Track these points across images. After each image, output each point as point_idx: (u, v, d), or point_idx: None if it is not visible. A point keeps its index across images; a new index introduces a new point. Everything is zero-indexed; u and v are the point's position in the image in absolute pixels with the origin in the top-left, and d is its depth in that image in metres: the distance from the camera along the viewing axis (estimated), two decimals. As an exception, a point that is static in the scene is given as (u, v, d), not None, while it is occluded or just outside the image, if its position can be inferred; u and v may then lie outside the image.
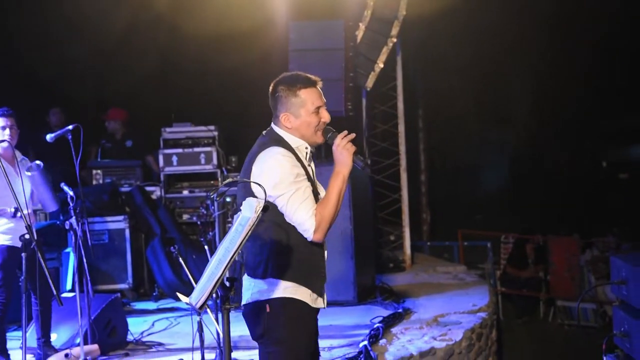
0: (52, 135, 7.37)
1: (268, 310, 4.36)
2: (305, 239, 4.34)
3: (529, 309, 14.31)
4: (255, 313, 4.40)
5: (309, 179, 4.40)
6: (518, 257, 14.65)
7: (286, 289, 4.35)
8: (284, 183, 4.25)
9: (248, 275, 4.41)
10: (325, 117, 4.43)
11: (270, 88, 4.47)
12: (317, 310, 4.53)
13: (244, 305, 4.45)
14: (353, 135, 4.40)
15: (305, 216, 4.26)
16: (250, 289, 4.40)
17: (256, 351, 4.60)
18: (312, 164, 4.54)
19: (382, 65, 10.61)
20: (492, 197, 17.81)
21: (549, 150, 17.77)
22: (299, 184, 4.28)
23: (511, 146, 18.69)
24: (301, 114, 4.38)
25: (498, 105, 18.20)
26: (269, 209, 4.16)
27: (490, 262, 14.21)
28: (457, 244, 14.71)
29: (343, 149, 4.33)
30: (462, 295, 9.96)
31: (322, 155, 8.99)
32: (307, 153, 4.44)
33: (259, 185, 4.13)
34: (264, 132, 4.51)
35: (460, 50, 15.74)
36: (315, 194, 4.42)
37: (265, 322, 4.38)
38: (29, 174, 7.06)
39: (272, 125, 4.48)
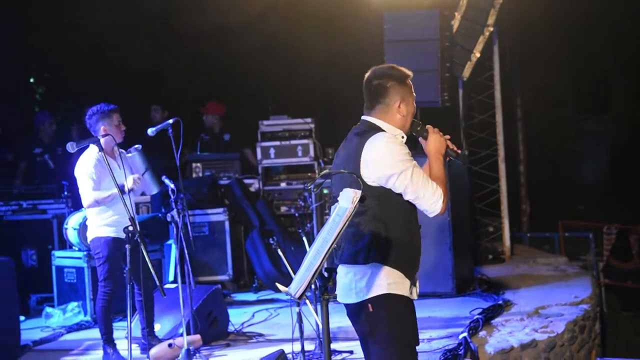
0: (153, 129, 7.52)
1: (371, 309, 4.37)
2: (408, 226, 4.39)
3: (634, 301, 13.97)
4: (358, 313, 4.43)
5: None
6: (621, 249, 14.31)
7: (389, 285, 4.35)
8: (402, 162, 4.33)
9: (347, 263, 4.41)
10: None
11: (371, 79, 4.52)
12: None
13: (346, 305, 4.48)
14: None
15: (432, 189, 4.35)
16: (353, 287, 4.39)
17: (355, 342, 4.62)
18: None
19: (478, 55, 10.48)
20: (593, 187, 17.43)
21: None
22: (414, 162, 4.38)
23: (611, 134, 18.26)
24: (410, 102, 4.53)
25: (597, 93, 17.80)
26: (374, 196, 4.25)
27: (593, 254, 13.92)
28: (557, 235, 14.44)
29: (439, 135, 4.52)
30: (563, 286, 9.79)
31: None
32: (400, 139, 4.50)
33: (356, 175, 4.17)
34: (356, 125, 4.57)
35: (558, 37, 15.45)
36: None
37: (370, 321, 4.40)
38: (129, 155, 7.23)
39: (366, 118, 4.54)
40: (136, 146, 7.35)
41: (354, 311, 4.45)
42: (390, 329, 4.37)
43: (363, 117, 4.56)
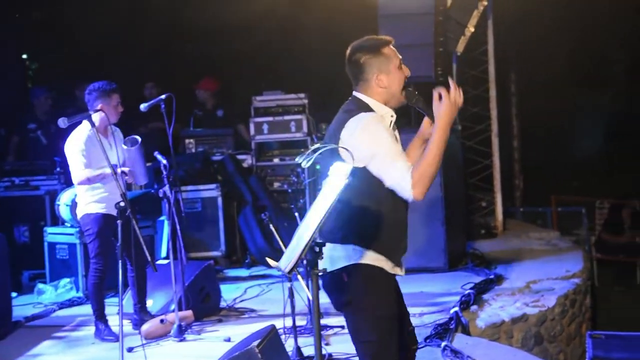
0: (146, 104, 7.49)
1: (345, 279, 4.33)
2: (392, 208, 4.31)
3: (625, 275, 14.04)
4: (333, 283, 4.38)
5: None
6: (614, 223, 14.37)
7: (362, 257, 4.31)
8: (376, 145, 4.20)
9: (326, 240, 4.28)
10: (407, 71, 4.43)
11: (349, 56, 4.44)
12: (394, 275, 4.49)
13: (320, 275, 4.47)
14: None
15: (399, 172, 4.16)
16: (328, 257, 4.28)
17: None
18: (397, 133, 4.48)
19: (472, 29, 10.46)
20: (587, 162, 17.46)
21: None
22: (391, 145, 4.22)
23: (606, 110, 18.26)
24: (390, 70, 4.37)
25: (593, 68, 17.79)
26: (357, 176, 4.12)
27: (585, 228, 13.97)
28: (550, 210, 14.48)
29: (454, 105, 4.27)
30: (555, 261, 9.82)
31: (412, 122, 8.96)
32: (391, 122, 4.41)
33: (346, 150, 4.15)
34: (346, 101, 4.49)
35: (554, 12, 15.39)
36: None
37: (344, 291, 4.36)
38: (125, 147, 7.18)
39: (355, 93, 4.46)
40: (136, 137, 7.25)
41: (329, 281, 4.39)
42: (365, 298, 4.32)
43: (353, 93, 4.49)
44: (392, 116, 4.41)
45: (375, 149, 4.21)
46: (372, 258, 4.34)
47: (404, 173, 4.15)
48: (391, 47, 4.42)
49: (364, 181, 4.25)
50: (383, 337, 4.37)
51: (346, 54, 4.46)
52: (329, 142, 4.37)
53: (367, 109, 4.35)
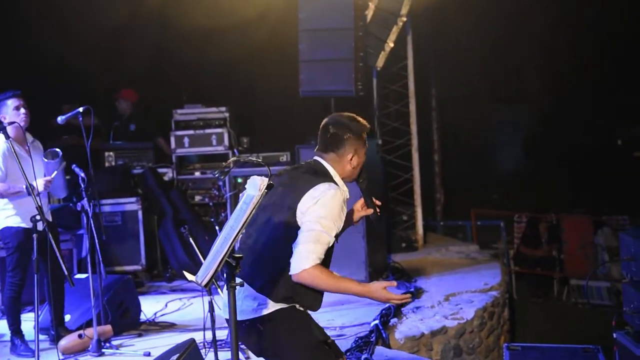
0: (63, 117, 7.40)
1: (261, 328, 4.38)
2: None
3: (543, 288, 14.29)
4: (248, 332, 4.41)
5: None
6: (531, 237, 14.62)
7: (275, 306, 4.39)
8: (327, 220, 4.34)
9: (259, 291, 4.40)
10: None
11: (329, 126, 4.60)
12: None
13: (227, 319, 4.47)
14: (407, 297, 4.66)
15: (307, 254, 4.29)
16: (239, 305, 4.30)
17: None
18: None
19: (392, 45, 10.56)
20: (507, 176, 17.74)
21: (563, 128, 17.66)
22: (332, 231, 4.36)
23: (525, 124, 18.61)
24: (362, 153, 4.63)
25: (512, 83, 18.10)
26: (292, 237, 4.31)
27: (504, 242, 14.18)
28: (470, 224, 14.68)
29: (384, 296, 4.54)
30: (474, 274, 9.96)
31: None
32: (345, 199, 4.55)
33: (265, 166, 4.18)
34: (312, 161, 4.63)
35: (473, 27, 15.63)
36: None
37: (264, 340, 4.41)
38: (46, 160, 7.09)
39: (320, 160, 4.60)
40: (57, 150, 7.17)
41: (245, 332, 4.42)
42: (291, 337, 4.39)
43: (317, 158, 4.61)
44: (347, 196, 4.56)
45: (323, 221, 4.33)
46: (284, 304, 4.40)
47: (310, 260, 4.28)
48: (365, 133, 4.62)
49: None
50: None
51: (324, 121, 4.63)
52: (285, 195, 4.43)
53: (336, 183, 4.49)
